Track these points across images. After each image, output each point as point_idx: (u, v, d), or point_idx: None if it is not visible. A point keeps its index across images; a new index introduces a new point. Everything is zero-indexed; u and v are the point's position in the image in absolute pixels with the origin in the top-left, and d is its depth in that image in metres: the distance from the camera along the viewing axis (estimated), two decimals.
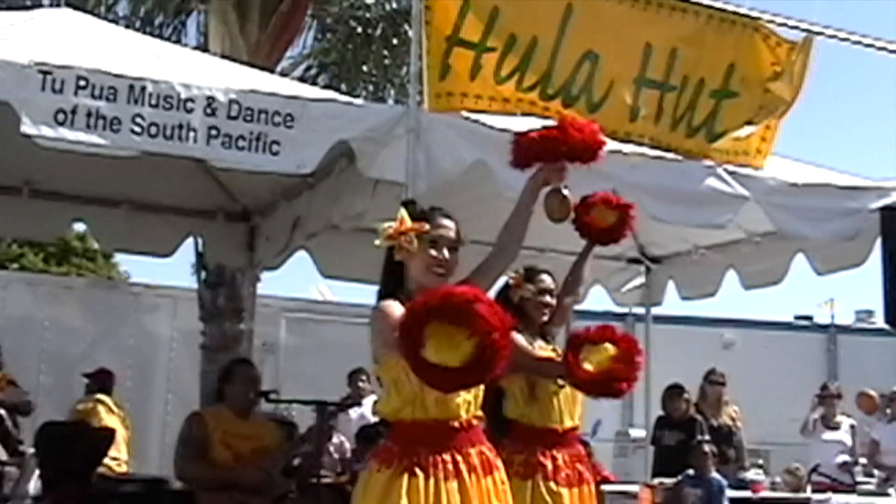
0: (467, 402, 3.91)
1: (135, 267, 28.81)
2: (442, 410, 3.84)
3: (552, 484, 5.20)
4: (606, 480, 10.34)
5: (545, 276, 5.62)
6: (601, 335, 4.92)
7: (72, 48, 5.47)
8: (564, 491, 5.22)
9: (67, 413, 10.08)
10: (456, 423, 3.91)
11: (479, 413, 4.03)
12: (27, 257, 25.41)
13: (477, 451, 3.96)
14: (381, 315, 3.86)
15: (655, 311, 9.93)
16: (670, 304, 9.65)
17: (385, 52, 13.12)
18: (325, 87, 12.52)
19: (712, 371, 10.53)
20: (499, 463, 4.08)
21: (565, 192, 4.47)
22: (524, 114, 5.95)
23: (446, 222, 4.10)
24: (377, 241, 4.00)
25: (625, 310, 9.87)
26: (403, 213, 4.02)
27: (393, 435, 3.97)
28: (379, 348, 3.88)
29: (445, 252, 4.05)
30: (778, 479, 9.94)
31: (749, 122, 6.37)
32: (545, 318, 5.58)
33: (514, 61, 5.88)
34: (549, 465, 5.24)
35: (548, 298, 5.56)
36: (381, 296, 4.01)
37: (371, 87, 13.30)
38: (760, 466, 9.95)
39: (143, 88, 5.10)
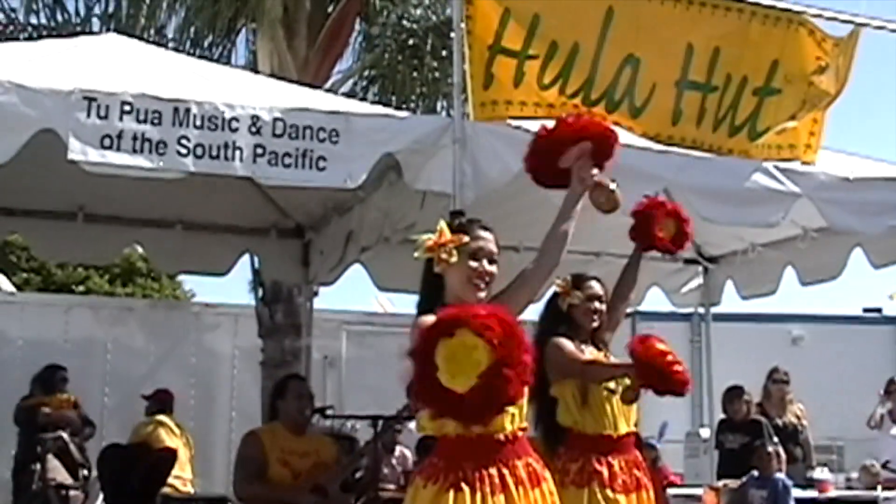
0: (511, 415, 3.86)
1: (199, 286, 29.09)
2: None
3: (608, 491, 5.15)
4: (672, 484, 10.31)
5: (593, 283, 5.58)
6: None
7: (116, 73, 5.52)
8: (621, 497, 5.17)
9: (129, 435, 10.16)
10: (500, 437, 3.86)
11: (524, 425, 3.99)
12: (92, 279, 25.72)
13: (524, 464, 3.92)
14: (417, 331, 3.81)
15: (721, 309, 9.86)
16: (735, 301, 9.56)
17: (435, 64, 13.09)
18: (375, 100, 12.55)
19: (775, 370, 10.42)
20: (546, 474, 4.03)
21: (611, 185, 4.39)
22: None
23: (485, 234, 4.08)
24: (416, 254, 4.01)
25: (690, 310, 9.78)
26: (443, 225, 4.01)
27: (438, 450, 3.94)
28: None
29: (485, 264, 4.03)
30: (854, 475, 9.83)
31: (792, 117, 6.31)
32: (595, 325, 5.52)
33: (556, 68, 5.87)
34: (605, 472, 5.19)
35: (596, 304, 5.51)
36: (420, 310, 3.99)
37: (421, 100, 13.28)
38: (825, 465, 9.81)
39: (188, 110, 5.13)
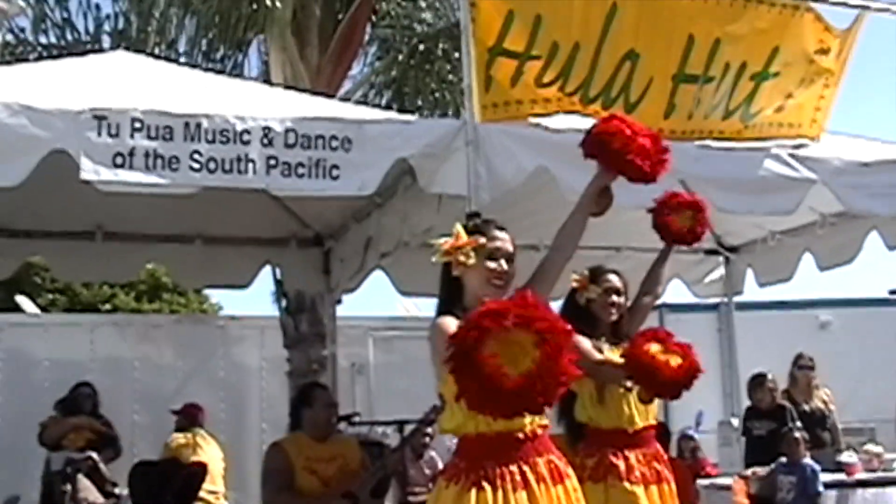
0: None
1: (226, 299, 29.14)
2: (506, 423, 3.78)
3: (626, 484, 5.12)
4: (707, 476, 10.28)
5: (611, 276, 5.54)
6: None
7: (126, 90, 5.56)
8: (639, 489, 5.13)
9: (161, 451, 10.19)
10: (521, 435, 3.86)
11: (545, 422, 3.98)
12: (119, 297, 25.81)
13: (545, 461, 3.92)
14: (439, 332, 3.83)
15: (747, 297, 9.84)
16: (761, 290, 9.53)
17: (448, 68, 13.10)
18: (388, 106, 12.55)
19: (800, 356, 10.37)
20: (570, 471, 4.03)
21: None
22: (567, 112, 5.94)
23: (501, 234, 4.12)
24: (433, 258, 4.05)
25: (717, 300, 9.79)
26: (458, 227, 4.06)
27: (459, 450, 3.95)
28: (438, 365, 3.81)
29: (503, 263, 4.06)
30: (888, 456, 9.79)
31: (789, 96, 6.32)
32: (613, 318, 5.48)
33: (557, 68, 5.87)
34: (622, 466, 5.16)
35: (615, 298, 5.47)
36: (440, 312, 4.01)
37: (435, 104, 13.28)
38: (854, 448, 9.73)
39: (199, 125, 5.15)
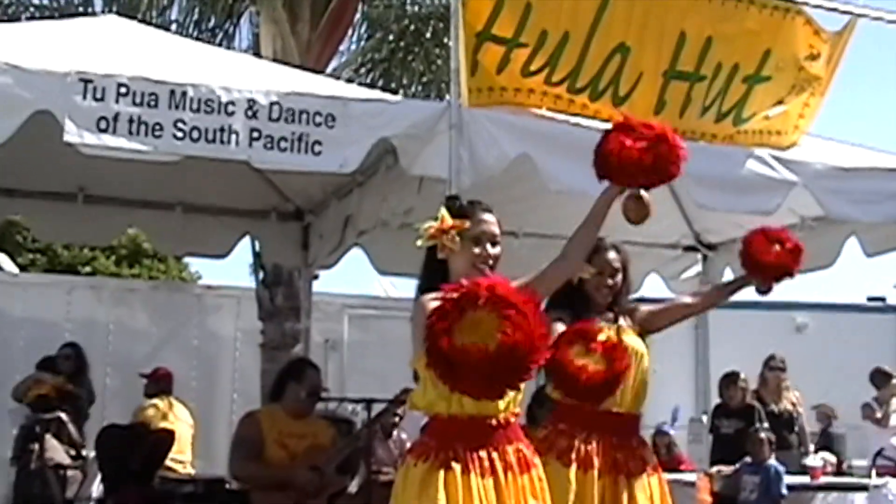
0: (506, 400, 3.89)
1: (205, 268, 29.14)
2: (479, 407, 3.82)
3: (580, 469, 4.97)
4: (675, 470, 10.34)
5: (610, 255, 5.33)
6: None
7: (114, 56, 5.54)
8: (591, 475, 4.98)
9: (131, 416, 10.21)
10: (493, 421, 3.90)
11: (517, 410, 4.01)
12: (99, 260, 25.78)
13: (514, 449, 3.95)
14: (420, 308, 3.86)
15: None
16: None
17: (437, 51, 13.09)
18: (374, 84, 12.53)
19: (772, 357, 10.46)
20: (536, 460, 4.06)
21: (644, 194, 4.40)
22: (550, 108, 5.96)
23: (487, 216, 4.13)
24: (419, 242, 4.04)
25: None
26: (444, 211, 4.04)
27: (430, 429, 3.98)
28: (416, 341, 3.84)
29: (489, 247, 4.08)
30: (855, 462, 9.89)
31: (779, 102, 6.34)
32: (608, 299, 5.34)
33: (544, 56, 5.85)
34: (583, 449, 5.01)
35: (608, 281, 5.31)
36: (422, 290, 4.02)
37: (423, 86, 13.27)
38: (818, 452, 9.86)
39: (184, 93, 5.14)
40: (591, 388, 4.72)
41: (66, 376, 9.94)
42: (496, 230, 4.14)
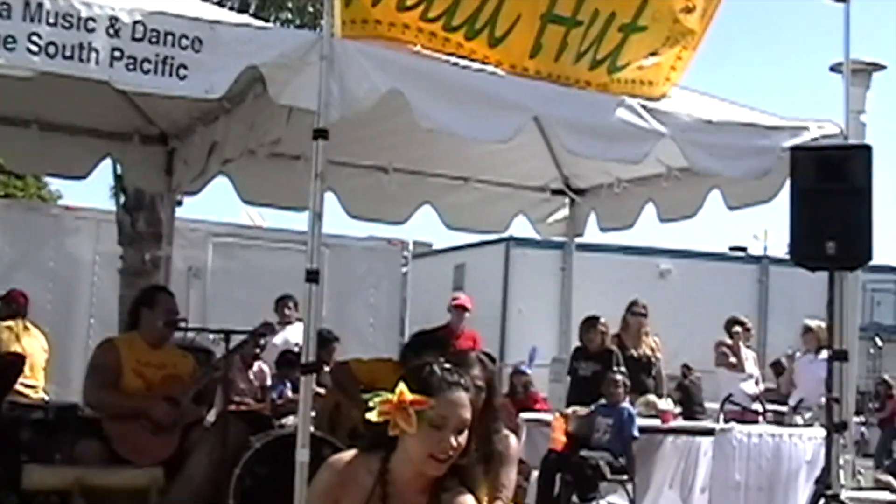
0: None
1: (66, 187, 28.47)
2: None
3: None
4: (533, 409, 10.48)
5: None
6: None
7: None
8: None
9: None
10: None
11: None
12: None
13: None
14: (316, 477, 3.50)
15: (592, 240, 9.90)
16: (605, 233, 9.64)
17: None
18: (244, 9, 12.23)
19: (635, 302, 10.60)
20: None
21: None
22: (424, 45, 5.89)
23: (457, 397, 3.35)
24: (370, 415, 3.29)
25: (564, 239, 9.89)
26: (402, 387, 3.30)
27: None
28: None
29: (452, 439, 3.30)
30: (708, 405, 10.12)
31: (653, 53, 6.38)
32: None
33: None
34: None
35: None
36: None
37: (298, 15, 13.04)
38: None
39: (41, 6, 4.94)
40: None
41: None
42: (467, 416, 3.33)
